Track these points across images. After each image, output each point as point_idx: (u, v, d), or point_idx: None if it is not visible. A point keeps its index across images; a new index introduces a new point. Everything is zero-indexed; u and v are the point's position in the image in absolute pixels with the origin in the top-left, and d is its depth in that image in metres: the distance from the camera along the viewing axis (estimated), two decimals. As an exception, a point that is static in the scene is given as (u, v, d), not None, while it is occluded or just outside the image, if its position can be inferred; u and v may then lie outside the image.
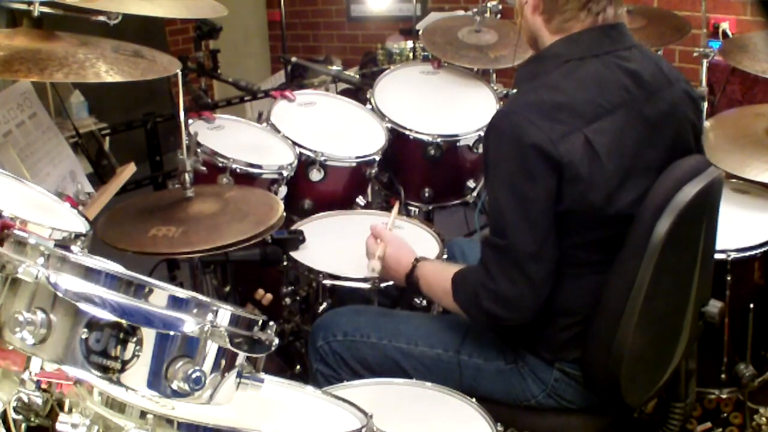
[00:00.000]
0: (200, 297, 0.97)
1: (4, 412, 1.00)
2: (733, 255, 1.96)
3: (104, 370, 0.89)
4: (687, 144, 1.57)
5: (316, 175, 2.40)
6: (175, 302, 0.95)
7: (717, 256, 1.89)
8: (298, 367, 2.22)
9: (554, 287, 1.49)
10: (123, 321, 0.89)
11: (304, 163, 2.40)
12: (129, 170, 2.30)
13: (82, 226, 1.45)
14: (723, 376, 2.07)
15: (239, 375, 0.99)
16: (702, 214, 1.54)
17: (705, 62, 2.61)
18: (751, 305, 2.02)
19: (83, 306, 0.89)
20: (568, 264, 1.49)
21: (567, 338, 1.54)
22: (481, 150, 2.62)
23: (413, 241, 2.21)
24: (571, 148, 1.39)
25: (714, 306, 1.66)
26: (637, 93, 1.48)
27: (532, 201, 1.42)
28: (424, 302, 2.03)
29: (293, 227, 2.20)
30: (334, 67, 3.37)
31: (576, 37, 1.51)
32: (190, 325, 0.92)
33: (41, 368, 0.95)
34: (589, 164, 1.40)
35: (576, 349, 1.54)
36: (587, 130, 1.41)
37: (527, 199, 1.42)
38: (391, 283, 1.97)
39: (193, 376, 0.91)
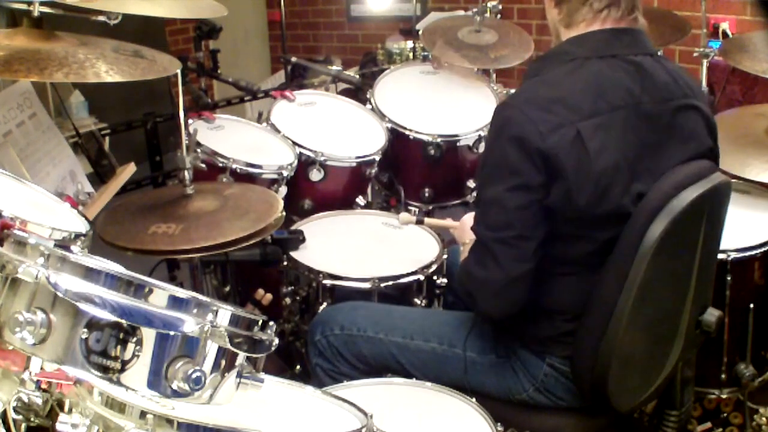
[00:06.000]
0: (200, 297, 0.97)
1: (4, 412, 1.00)
2: (733, 255, 1.96)
3: (104, 370, 0.89)
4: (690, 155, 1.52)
5: (316, 175, 2.40)
6: (175, 302, 0.95)
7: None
8: (298, 367, 2.22)
9: (548, 286, 1.50)
10: (123, 321, 0.89)
11: (304, 163, 2.40)
12: (129, 170, 2.30)
13: (82, 226, 1.45)
14: (723, 376, 2.07)
15: (239, 375, 0.99)
16: (700, 220, 1.50)
17: (705, 62, 2.61)
18: (751, 305, 2.01)
19: (83, 306, 0.89)
20: (561, 262, 1.49)
21: (558, 334, 1.54)
22: (481, 150, 2.62)
23: (413, 241, 2.23)
24: (560, 141, 1.39)
25: (711, 314, 1.62)
26: (642, 98, 1.46)
27: (510, 192, 1.43)
28: (424, 302, 2.04)
29: (293, 227, 2.20)
30: (334, 67, 3.37)
31: (585, 37, 1.51)
32: (190, 325, 0.92)
33: (41, 368, 0.95)
34: (577, 160, 1.40)
35: (567, 345, 1.54)
36: (581, 125, 1.40)
37: (505, 189, 1.44)
38: (390, 283, 1.98)
39: (193, 376, 0.91)
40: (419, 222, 1.71)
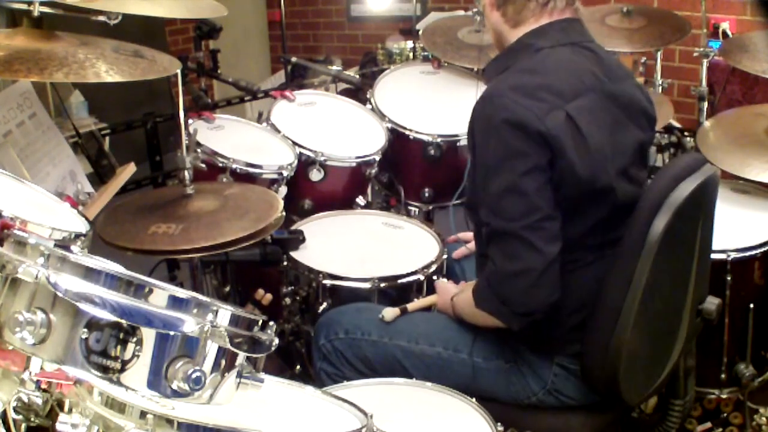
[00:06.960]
0: (200, 297, 0.97)
1: (4, 412, 1.00)
2: (733, 255, 1.96)
3: (104, 370, 0.89)
4: (643, 132, 1.61)
5: (316, 175, 2.40)
6: (175, 302, 0.95)
7: (717, 256, 1.90)
8: (298, 367, 2.22)
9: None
10: (123, 321, 0.89)
11: (304, 163, 2.40)
12: (129, 170, 2.30)
13: (82, 226, 1.45)
14: (723, 376, 2.07)
15: (239, 375, 0.99)
16: (698, 212, 1.56)
17: (705, 62, 2.62)
18: (751, 305, 2.02)
19: (83, 306, 0.89)
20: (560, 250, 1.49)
21: (565, 332, 1.55)
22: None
23: (413, 241, 2.23)
24: (556, 123, 1.44)
25: (711, 303, 1.67)
26: (605, 80, 1.54)
27: (524, 176, 1.43)
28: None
29: (293, 227, 2.20)
30: (334, 67, 3.37)
31: (544, 28, 1.56)
32: (190, 325, 0.92)
33: (41, 368, 0.95)
34: (573, 139, 1.45)
35: (575, 343, 1.55)
36: (568, 107, 1.46)
37: (519, 175, 1.43)
38: (390, 283, 1.98)
39: (193, 376, 0.91)
40: (403, 310, 1.75)
